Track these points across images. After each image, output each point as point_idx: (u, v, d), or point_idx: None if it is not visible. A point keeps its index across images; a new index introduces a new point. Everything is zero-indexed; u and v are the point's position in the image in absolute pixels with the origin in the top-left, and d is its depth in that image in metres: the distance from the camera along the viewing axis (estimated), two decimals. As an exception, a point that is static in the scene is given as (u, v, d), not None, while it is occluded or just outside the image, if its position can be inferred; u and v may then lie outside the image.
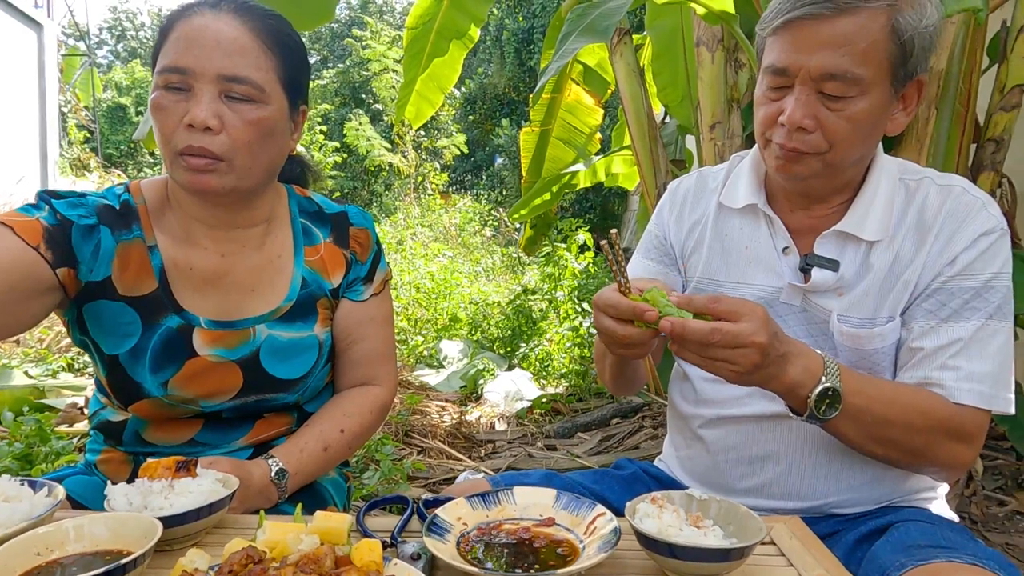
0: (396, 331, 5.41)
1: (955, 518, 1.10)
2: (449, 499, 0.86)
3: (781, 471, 1.08)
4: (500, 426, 3.71)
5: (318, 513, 0.71)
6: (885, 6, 0.91)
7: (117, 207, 1.07)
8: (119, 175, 7.89)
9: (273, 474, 1.04)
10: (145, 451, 1.12)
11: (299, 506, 0.78)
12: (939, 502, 1.12)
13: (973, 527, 2.38)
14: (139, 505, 0.80)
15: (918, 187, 1.04)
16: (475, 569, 0.66)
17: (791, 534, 0.80)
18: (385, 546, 0.76)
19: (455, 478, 2.88)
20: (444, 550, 0.71)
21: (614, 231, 0.88)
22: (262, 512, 0.74)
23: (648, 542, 0.71)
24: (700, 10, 2.70)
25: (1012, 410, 0.96)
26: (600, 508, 0.79)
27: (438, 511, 0.79)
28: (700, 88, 3.14)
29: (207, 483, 0.83)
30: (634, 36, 3.59)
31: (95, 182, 7.16)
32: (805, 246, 1.07)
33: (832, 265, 1.03)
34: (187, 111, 0.97)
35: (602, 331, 0.92)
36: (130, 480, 1.08)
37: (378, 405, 1.22)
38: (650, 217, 3.33)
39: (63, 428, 2.86)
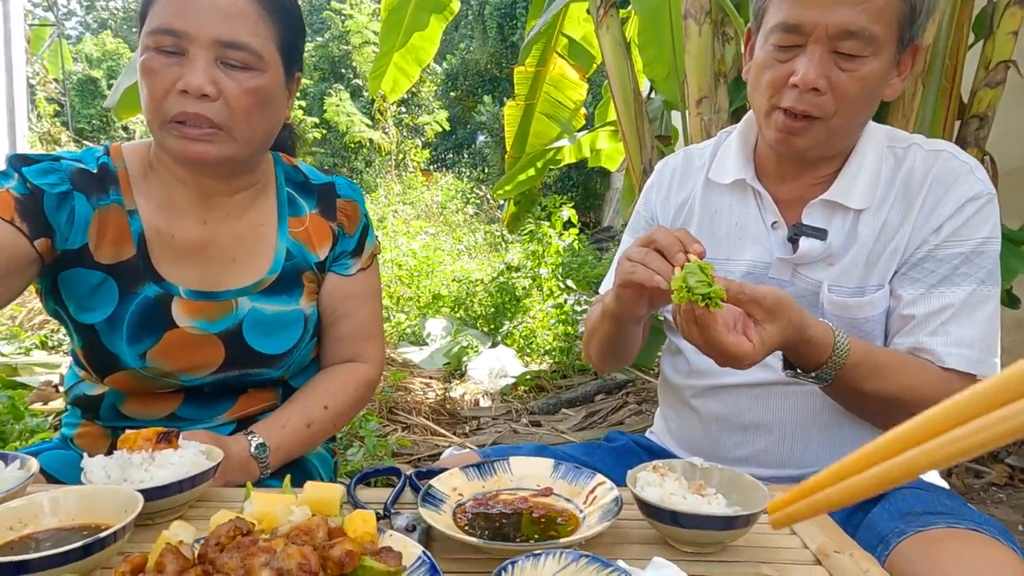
0: (379, 308, 5.36)
1: (946, 486, 1.10)
2: (442, 471, 0.83)
3: (774, 439, 1.08)
4: (484, 403, 3.70)
5: (308, 484, 0.68)
6: None
7: (94, 170, 1.02)
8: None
9: (253, 448, 1.00)
10: (123, 425, 1.07)
11: (287, 477, 0.76)
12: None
13: (951, 498, 2.43)
14: (118, 478, 0.76)
15: (906, 154, 1.03)
16: (474, 539, 0.64)
17: (791, 502, 0.79)
18: (378, 518, 0.73)
19: (440, 454, 2.87)
20: (440, 520, 0.69)
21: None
22: (249, 484, 0.71)
23: (651, 510, 0.69)
24: (689, -20, 2.65)
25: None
26: (600, 477, 0.77)
27: (432, 481, 0.77)
28: (687, 62, 3.10)
29: (189, 455, 0.80)
30: (620, 10, 3.53)
31: (66, 156, 6.94)
32: (793, 217, 1.06)
33: (820, 234, 1.02)
34: (180, 76, 0.92)
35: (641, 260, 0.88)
36: (108, 454, 1.06)
37: (364, 382, 1.18)
38: (635, 194, 3.32)
39: (37, 406, 2.79)
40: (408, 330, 4.95)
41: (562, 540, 0.64)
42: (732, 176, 1.09)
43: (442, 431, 3.17)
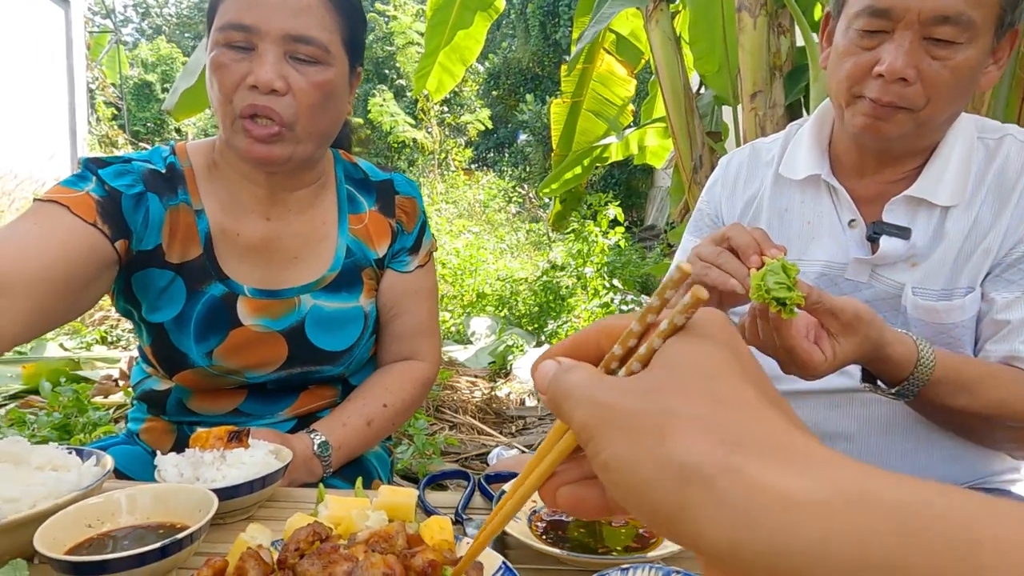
0: (424, 307, 5.39)
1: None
2: (511, 475, 0.81)
3: (853, 450, 1.02)
4: (530, 402, 3.67)
5: (383, 488, 0.66)
6: None
7: (163, 170, 1.04)
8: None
9: (316, 447, 1.00)
10: (189, 420, 1.09)
11: (359, 480, 0.74)
12: (1022, 484, 1.05)
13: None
14: (190, 476, 0.76)
15: (999, 145, 0.96)
16: (557, 550, 0.61)
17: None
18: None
19: (487, 454, 2.85)
20: (516, 528, 0.66)
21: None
22: (321, 486, 0.70)
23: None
24: (746, -29, 2.57)
25: None
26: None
27: (505, 487, 0.74)
28: (741, 56, 3.02)
29: (259, 454, 0.80)
30: (670, 4, 3.46)
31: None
32: (872, 215, 1.00)
33: (903, 233, 0.96)
34: (250, 71, 0.93)
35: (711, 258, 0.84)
36: (174, 449, 1.06)
37: (421, 380, 1.18)
38: (684, 191, 3.23)
39: (98, 399, 2.88)
40: (453, 328, 4.96)
41: (650, 554, 0.61)
42: (805, 172, 1.04)
43: (489, 430, 3.16)
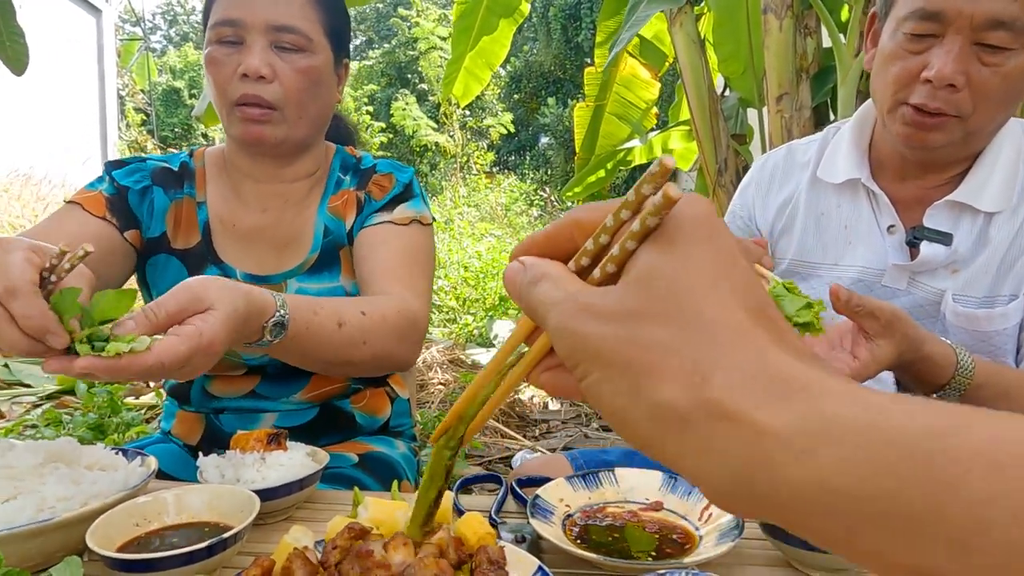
0: (446, 310, 5.41)
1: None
2: (541, 479, 0.82)
3: None
4: (553, 406, 3.67)
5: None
6: None
7: (175, 168, 1.14)
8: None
9: (270, 323, 0.77)
10: (212, 407, 1.14)
11: (395, 483, 0.76)
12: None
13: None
14: (231, 477, 0.79)
15: None
16: (592, 555, 0.62)
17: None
18: (485, 526, 0.72)
19: (511, 457, 2.86)
20: (551, 532, 0.67)
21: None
22: (356, 489, 0.72)
23: (775, 530, 0.66)
24: (773, -27, 2.56)
25: None
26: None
27: (539, 492, 0.75)
28: (766, 58, 3.00)
29: (298, 457, 0.81)
30: (694, 7, 3.45)
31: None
32: (912, 220, 0.98)
33: (944, 239, 0.94)
34: (240, 62, 1.00)
35: None
36: (204, 439, 1.12)
37: (403, 306, 0.98)
38: (708, 193, 3.23)
39: (130, 400, 2.94)
40: (475, 331, 4.98)
41: (688, 559, 0.62)
42: (844, 175, 1.02)
43: (512, 433, 3.17)
